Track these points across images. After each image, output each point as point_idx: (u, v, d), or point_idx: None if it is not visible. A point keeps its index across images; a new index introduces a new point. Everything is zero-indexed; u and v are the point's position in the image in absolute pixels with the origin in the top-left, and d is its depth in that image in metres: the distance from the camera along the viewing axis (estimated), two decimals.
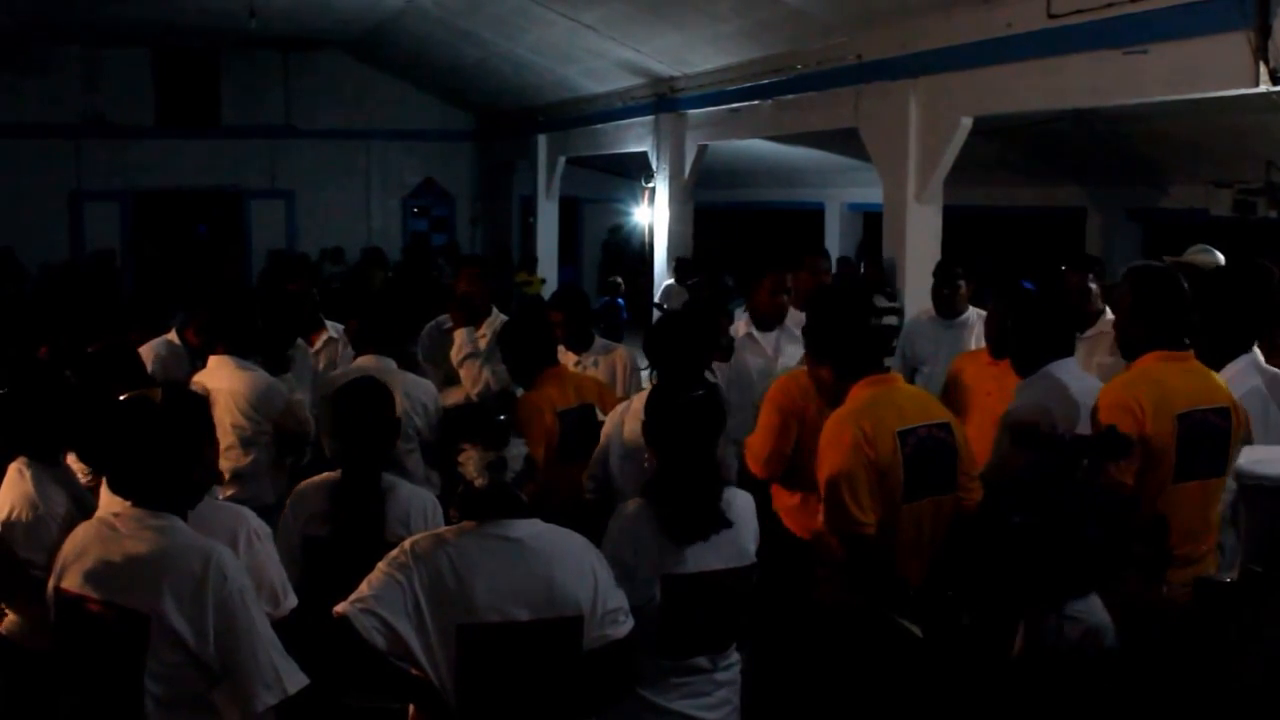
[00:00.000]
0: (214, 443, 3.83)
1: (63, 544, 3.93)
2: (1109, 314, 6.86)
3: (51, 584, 3.51)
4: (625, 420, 5.22)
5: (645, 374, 6.63)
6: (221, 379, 5.98)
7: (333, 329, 7.88)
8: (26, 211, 20.63)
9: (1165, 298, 4.82)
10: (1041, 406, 4.94)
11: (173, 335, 7.31)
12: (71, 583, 3.42)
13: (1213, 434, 4.71)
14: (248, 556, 3.78)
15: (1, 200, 20.54)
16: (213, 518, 3.82)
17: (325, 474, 4.55)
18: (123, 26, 19.08)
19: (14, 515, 4.33)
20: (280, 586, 3.92)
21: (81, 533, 3.56)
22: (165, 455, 3.49)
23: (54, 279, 17.30)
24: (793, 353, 6.95)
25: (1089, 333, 6.99)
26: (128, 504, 3.49)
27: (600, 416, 5.77)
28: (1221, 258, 7.99)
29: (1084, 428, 4.84)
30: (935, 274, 8.23)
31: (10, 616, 4.38)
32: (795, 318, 7.22)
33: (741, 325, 7.28)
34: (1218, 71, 7.22)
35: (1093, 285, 7.17)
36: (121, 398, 3.71)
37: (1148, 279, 4.91)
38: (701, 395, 4.18)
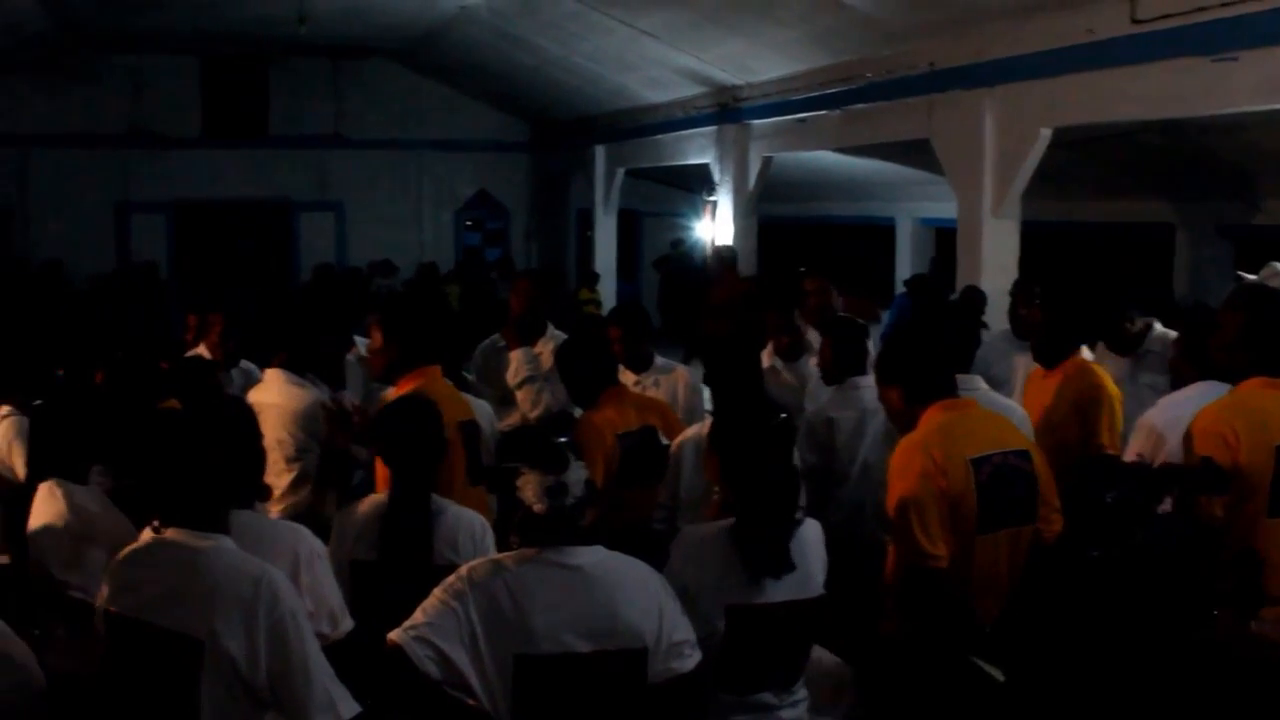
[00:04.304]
0: (261, 456, 3.86)
1: (104, 562, 3.98)
2: (1156, 330, 6.87)
3: (100, 605, 3.51)
4: (699, 446, 5.20)
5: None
6: (272, 394, 6.00)
7: (363, 345, 7.78)
8: (73, 223, 21.08)
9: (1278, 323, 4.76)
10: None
11: (202, 349, 7.42)
12: (122, 605, 3.43)
13: None
14: (309, 576, 3.80)
15: (49, 212, 21.06)
16: (271, 535, 3.85)
17: (373, 495, 4.58)
18: (170, 35, 19.33)
19: (49, 536, 4.38)
20: (339, 608, 3.93)
21: (130, 554, 3.56)
22: (202, 472, 3.49)
23: (101, 293, 17.57)
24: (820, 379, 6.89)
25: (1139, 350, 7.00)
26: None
27: (663, 439, 5.77)
28: None
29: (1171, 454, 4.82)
30: (1012, 293, 8.18)
31: (39, 637, 4.43)
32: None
33: (765, 357, 7.24)
34: None
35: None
36: (151, 415, 3.74)
37: (1264, 302, 4.86)
38: (782, 422, 4.18)
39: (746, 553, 3.92)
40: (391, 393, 5.67)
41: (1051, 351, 6.32)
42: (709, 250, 16.74)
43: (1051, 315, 6.38)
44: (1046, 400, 6.18)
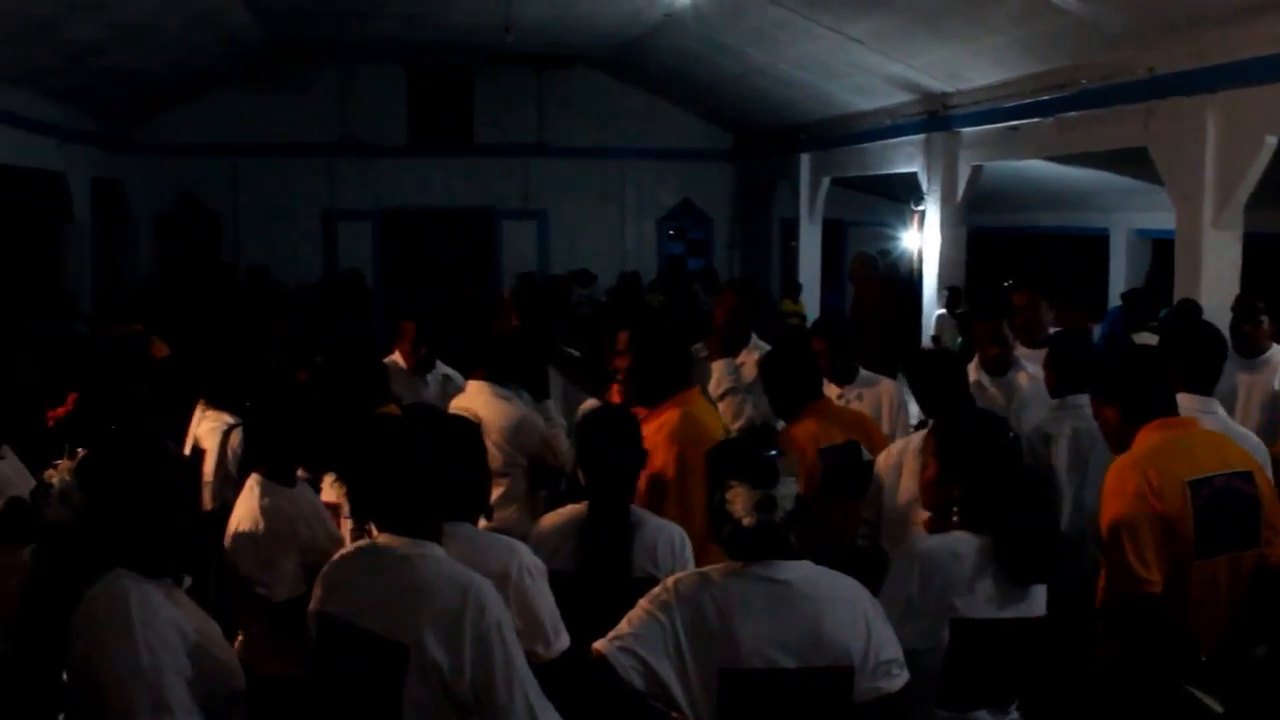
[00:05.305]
0: (484, 471, 3.93)
1: (292, 563, 4.26)
2: None
3: (313, 607, 3.64)
4: (905, 462, 5.18)
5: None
6: (477, 405, 6.08)
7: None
8: (282, 230, 21.89)
9: None
10: None
11: (397, 355, 7.60)
12: (334, 607, 3.55)
13: None
14: (519, 592, 3.85)
15: (259, 219, 21.88)
16: (486, 549, 3.92)
17: (570, 506, 4.64)
18: (377, 45, 19.89)
19: (241, 529, 4.56)
20: (552, 626, 3.95)
21: (342, 558, 3.69)
22: (417, 479, 3.57)
23: (308, 300, 18.12)
24: (1032, 394, 6.76)
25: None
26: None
27: (866, 454, 5.75)
28: None
29: None
30: (1234, 309, 7.97)
31: (240, 637, 4.59)
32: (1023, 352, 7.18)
33: (972, 371, 7.15)
34: None
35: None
36: (368, 420, 3.84)
37: None
38: (1013, 438, 4.19)
39: (1013, 562, 3.88)
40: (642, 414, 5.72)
41: None
42: (913, 261, 16.70)
43: None
44: None
